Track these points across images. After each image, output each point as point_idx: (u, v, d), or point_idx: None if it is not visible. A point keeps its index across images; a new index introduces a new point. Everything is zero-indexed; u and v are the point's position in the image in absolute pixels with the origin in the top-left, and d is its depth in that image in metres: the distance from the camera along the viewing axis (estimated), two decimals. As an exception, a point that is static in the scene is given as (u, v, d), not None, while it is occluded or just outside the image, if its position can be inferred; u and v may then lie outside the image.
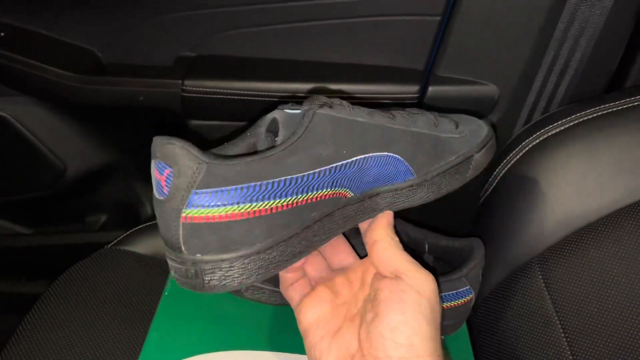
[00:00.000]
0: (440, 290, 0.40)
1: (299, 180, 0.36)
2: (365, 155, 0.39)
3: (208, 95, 0.68)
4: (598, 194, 0.54)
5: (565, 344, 0.50)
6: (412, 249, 0.55)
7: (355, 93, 0.67)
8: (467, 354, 0.51)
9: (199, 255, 0.35)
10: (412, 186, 0.43)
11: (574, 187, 0.56)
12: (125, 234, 0.68)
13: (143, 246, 0.67)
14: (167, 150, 0.34)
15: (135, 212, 0.92)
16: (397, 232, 0.43)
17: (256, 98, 0.68)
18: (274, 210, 0.35)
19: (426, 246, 0.55)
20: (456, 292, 0.50)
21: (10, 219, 0.92)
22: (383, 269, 0.39)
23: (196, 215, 0.34)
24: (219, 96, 0.68)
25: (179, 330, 0.49)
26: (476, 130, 0.49)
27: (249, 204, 0.34)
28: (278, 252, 0.36)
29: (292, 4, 0.65)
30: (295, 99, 0.67)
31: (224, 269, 0.35)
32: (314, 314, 0.40)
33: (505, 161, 0.63)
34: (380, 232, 0.40)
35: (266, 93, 0.67)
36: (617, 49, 0.62)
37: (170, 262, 0.36)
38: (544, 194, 0.57)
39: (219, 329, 0.49)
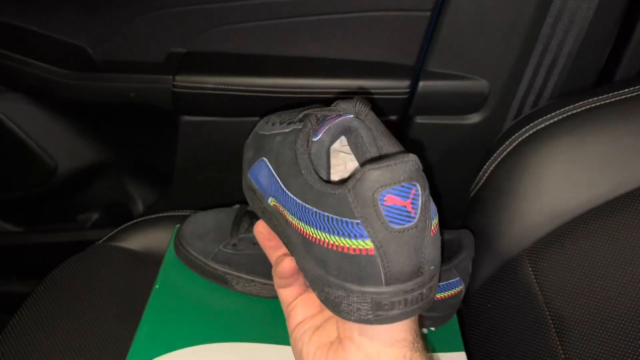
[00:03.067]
0: None
1: None
2: None
3: (199, 91, 0.68)
4: (587, 186, 0.55)
5: (555, 334, 0.50)
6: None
7: (346, 88, 0.67)
8: (457, 346, 0.52)
9: (432, 267, 0.32)
10: None
11: (562, 179, 0.56)
12: (116, 230, 0.68)
13: (134, 242, 0.67)
14: (411, 167, 0.30)
15: (127, 210, 0.92)
16: None
17: (247, 94, 0.68)
18: None
19: None
20: (446, 284, 0.51)
21: (1, 217, 0.92)
22: None
23: (435, 227, 0.32)
24: (210, 92, 0.68)
25: (170, 323, 0.49)
26: None
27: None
28: None
29: (283, 0, 0.65)
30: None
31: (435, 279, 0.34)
32: (302, 315, 0.40)
33: (495, 155, 0.63)
34: None
35: (257, 88, 0.67)
36: (605, 43, 0.63)
37: (397, 298, 0.31)
38: (533, 187, 0.58)
39: (209, 321, 0.49)
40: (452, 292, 0.51)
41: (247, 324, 0.49)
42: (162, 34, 0.70)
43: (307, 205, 0.33)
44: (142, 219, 0.70)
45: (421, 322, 0.51)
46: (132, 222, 0.69)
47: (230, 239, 0.55)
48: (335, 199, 0.31)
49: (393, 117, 0.71)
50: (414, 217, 0.30)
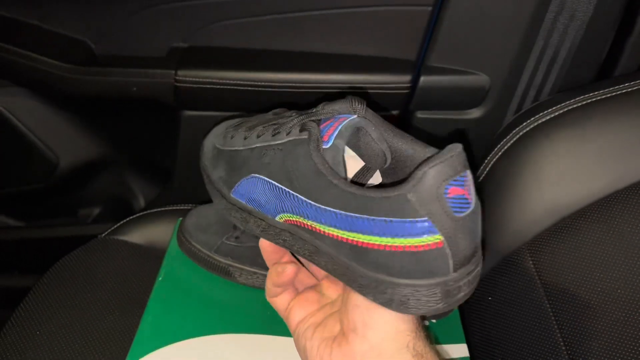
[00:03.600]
0: None
1: None
2: None
3: (201, 86, 0.68)
4: (587, 180, 0.55)
5: (556, 327, 0.50)
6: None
7: (348, 83, 0.67)
8: (458, 338, 0.52)
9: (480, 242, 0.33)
10: None
11: (563, 173, 0.57)
12: (118, 224, 0.68)
13: (136, 235, 0.67)
14: (464, 156, 0.31)
15: (128, 204, 0.92)
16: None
17: (249, 88, 0.68)
18: None
19: None
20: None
21: (3, 212, 0.92)
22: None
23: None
24: (211, 86, 0.68)
25: (173, 315, 0.49)
26: None
27: None
28: None
29: (284, -5, 0.65)
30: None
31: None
32: (302, 314, 0.40)
33: (496, 149, 0.63)
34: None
35: (259, 83, 0.68)
36: (606, 38, 0.63)
37: (463, 280, 0.32)
38: (534, 181, 0.58)
39: (212, 313, 0.50)
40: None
41: (251, 316, 0.49)
42: (163, 29, 0.70)
43: (353, 215, 0.32)
44: (145, 212, 0.70)
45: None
46: (135, 216, 0.69)
47: (233, 231, 0.56)
48: (390, 201, 0.31)
49: (394, 112, 0.71)
50: (471, 202, 0.31)
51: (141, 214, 0.70)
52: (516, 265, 0.56)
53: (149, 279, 0.56)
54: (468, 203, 0.31)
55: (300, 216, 0.36)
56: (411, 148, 0.37)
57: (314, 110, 0.38)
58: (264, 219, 0.40)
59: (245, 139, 0.41)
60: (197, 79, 0.68)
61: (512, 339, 0.54)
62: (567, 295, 0.51)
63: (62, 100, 0.80)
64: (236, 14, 0.67)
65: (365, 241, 0.32)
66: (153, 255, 0.63)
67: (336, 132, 0.36)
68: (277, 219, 0.38)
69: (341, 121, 0.36)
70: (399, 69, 0.67)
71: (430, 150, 0.35)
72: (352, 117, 0.37)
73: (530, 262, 0.55)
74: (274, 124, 0.40)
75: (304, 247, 0.38)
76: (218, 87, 0.68)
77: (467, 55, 0.64)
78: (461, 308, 0.57)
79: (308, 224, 0.36)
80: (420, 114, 0.69)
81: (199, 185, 0.81)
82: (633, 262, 0.48)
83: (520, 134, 0.61)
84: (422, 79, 0.65)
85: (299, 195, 0.35)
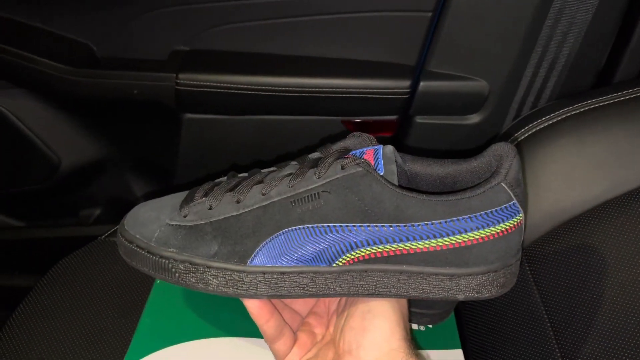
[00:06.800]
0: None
1: None
2: None
3: (202, 89, 0.69)
4: (585, 186, 0.55)
5: (552, 333, 0.50)
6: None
7: (347, 88, 0.68)
8: (454, 343, 0.52)
9: None
10: None
11: (561, 180, 0.57)
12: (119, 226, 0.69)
13: (136, 238, 0.67)
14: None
15: (129, 206, 0.92)
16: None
17: (249, 92, 0.68)
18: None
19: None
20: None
21: (4, 212, 0.92)
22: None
23: None
24: (213, 90, 0.68)
25: (172, 317, 0.49)
26: None
27: None
28: None
29: (285, 0, 0.65)
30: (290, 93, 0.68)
31: None
32: (298, 356, 0.42)
33: (494, 155, 0.64)
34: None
35: (259, 87, 0.68)
36: (605, 45, 0.63)
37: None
38: (532, 187, 0.58)
39: (211, 316, 0.50)
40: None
41: (249, 319, 0.49)
42: (165, 32, 0.70)
43: (452, 219, 0.36)
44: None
45: (418, 320, 0.51)
46: (135, 217, 0.69)
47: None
48: (487, 194, 0.35)
49: (393, 117, 0.72)
50: (521, 180, 0.37)
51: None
52: (513, 271, 0.56)
53: (148, 280, 0.57)
54: (520, 182, 0.37)
55: (383, 245, 0.36)
56: (432, 167, 0.40)
57: (320, 152, 0.39)
58: (312, 272, 0.38)
59: (238, 202, 0.38)
60: (198, 82, 0.68)
61: (507, 345, 0.54)
62: (563, 301, 0.51)
63: (64, 102, 0.81)
64: (237, 18, 0.68)
65: (470, 239, 0.36)
66: (152, 258, 0.63)
67: (381, 160, 0.36)
68: (334, 264, 0.37)
69: (371, 152, 0.37)
70: (398, 74, 0.67)
71: (455, 161, 0.40)
72: (382, 146, 0.38)
73: (527, 267, 0.55)
74: (272, 179, 0.38)
75: (369, 281, 0.37)
76: (219, 90, 0.68)
77: (466, 61, 0.64)
78: (457, 313, 0.57)
79: (392, 249, 0.36)
80: (419, 119, 0.69)
81: (199, 188, 0.82)
82: (629, 269, 0.48)
83: (519, 140, 0.62)
84: (422, 84, 0.65)
85: (383, 224, 0.36)
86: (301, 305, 0.45)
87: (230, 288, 0.38)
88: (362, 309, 0.38)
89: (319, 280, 0.38)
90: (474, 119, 0.68)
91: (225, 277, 0.38)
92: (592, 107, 0.59)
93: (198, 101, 0.70)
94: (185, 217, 0.39)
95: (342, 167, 0.36)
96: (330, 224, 0.36)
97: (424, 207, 0.35)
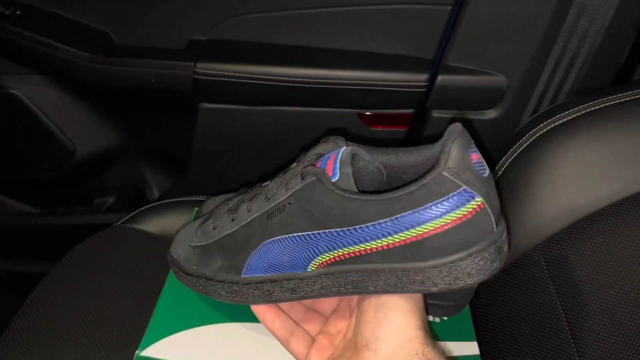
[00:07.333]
0: None
1: None
2: None
3: (219, 79, 0.69)
4: (602, 183, 0.55)
5: (567, 328, 0.50)
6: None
7: (365, 80, 0.68)
8: (469, 335, 0.52)
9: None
10: None
11: (579, 176, 0.57)
12: (133, 213, 0.69)
13: (151, 225, 0.67)
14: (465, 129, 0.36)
15: (142, 195, 0.93)
16: None
17: (266, 83, 0.68)
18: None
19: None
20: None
21: (19, 199, 0.93)
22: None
23: None
24: (230, 79, 0.69)
25: (188, 301, 0.49)
26: None
27: None
28: None
29: (304, -9, 0.66)
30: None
31: None
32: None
33: (512, 150, 0.63)
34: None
35: (276, 78, 0.68)
36: (626, 41, 0.63)
37: (503, 235, 0.36)
38: (548, 184, 0.58)
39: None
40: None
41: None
42: (183, 21, 0.70)
43: (400, 215, 0.34)
44: (160, 202, 0.70)
45: (433, 312, 0.51)
46: (150, 205, 0.70)
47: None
48: (431, 185, 0.33)
49: (409, 111, 0.72)
50: (484, 164, 0.35)
51: (156, 203, 0.70)
52: (529, 266, 0.56)
53: (163, 266, 0.57)
54: (484, 165, 0.35)
55: (340, 249, 0.37)
56: (405, 156, 0.39)
57: (297, 162, 0.41)
58: (294, 278, 0.40)
59: (233, 220, 0.42)
60: (215, 72, 0.68)
61: (522, 339, 0.54)
62: (579, 296, 0.51)
63: (81, 89, 0.81)
64: (256, 9, 0.68)
65: (419, 233, 0.34)
66: (167, 244, 0.63)
67: (337, 164, 0.37)
68: (309, 269, 0.39)
69: (334, 156, 0.38)
70: (416, 67, 0.67)
71: (427, 147, 0.38)
72: (342, 149, 0.38)
73: (543, 263, 0.55)
74: (257, 194, 0.42)
75: (347, 281, 0.39)
76: (236, 80, 0.68)
77: (485, 56, 0.64)
78: (472, 306, 0.57)
79: (351, 251, 0.37)
80: (436, 113, 0.69)
81: (213, 178, 0.82)
82: (646, 265, 0.48)
83: (537, 135, 0.61)
84: (440, 78, 0.65)
85: (335, 230, 0.36)
86: (324, 305, 0.46)
87: (235, 297, 0.43)
88: (375, 303, 0.38)
89: (302, 284, 0.40)
90: (491, 114, 0.68)
91: (230, 289, 0.43)
92: (611, 103, 0.59)
93: (215, 91, 0.71)
94: (199, 238, 0.45)
95: (302, 178, 0.38)
96: (294, 235, 0.38)
97: (367, 209, 0.35)
